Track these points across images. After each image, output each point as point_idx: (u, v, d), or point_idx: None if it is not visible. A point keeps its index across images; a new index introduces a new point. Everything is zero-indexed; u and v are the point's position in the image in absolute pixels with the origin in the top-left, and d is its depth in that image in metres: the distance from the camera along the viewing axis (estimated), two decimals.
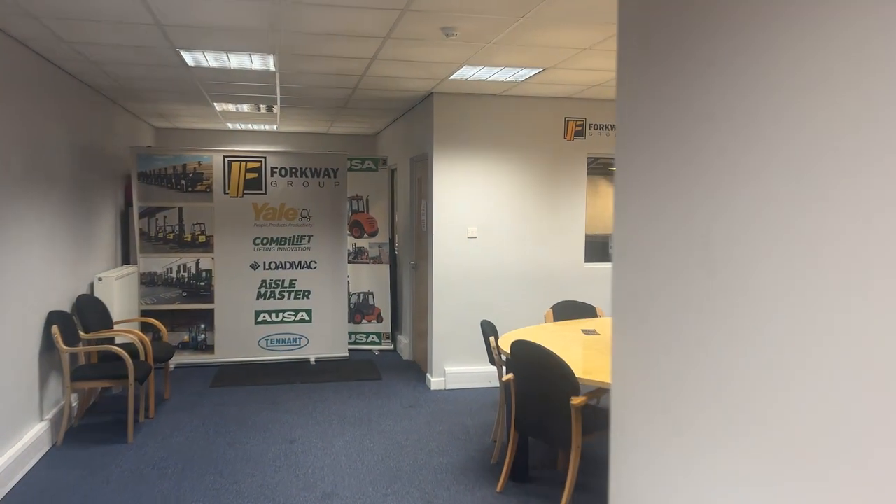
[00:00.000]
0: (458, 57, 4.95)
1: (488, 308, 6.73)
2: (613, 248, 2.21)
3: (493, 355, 4.72)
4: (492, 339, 4.69)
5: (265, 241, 7.60)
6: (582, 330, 5.07)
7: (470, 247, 6.65)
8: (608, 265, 7.07)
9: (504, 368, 4.62)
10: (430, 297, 6.76)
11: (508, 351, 4.20)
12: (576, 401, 3.74)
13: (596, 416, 4.10)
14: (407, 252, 7.95)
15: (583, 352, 4.36)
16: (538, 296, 6.82)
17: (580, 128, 6.80)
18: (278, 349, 7.70)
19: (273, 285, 7.64)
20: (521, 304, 6.80)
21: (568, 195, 6.83)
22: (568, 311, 5.78)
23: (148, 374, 5.44)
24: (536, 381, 4.00)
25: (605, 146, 6.87)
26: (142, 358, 5.61)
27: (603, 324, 5.37)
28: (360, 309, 8.33)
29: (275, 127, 9.61)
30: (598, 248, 10.41)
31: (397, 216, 8.72)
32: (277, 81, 5.96)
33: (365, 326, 8.34)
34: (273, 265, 7.63)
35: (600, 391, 3.95)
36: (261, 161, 7.58)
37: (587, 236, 7.03)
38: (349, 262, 8.20)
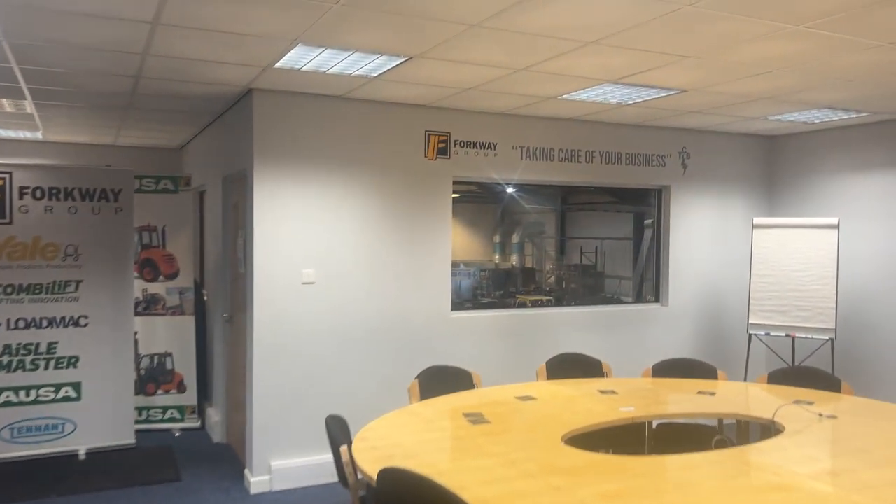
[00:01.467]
0: (288, 28, 3.36)
1: (331, 378, 5.10)
2: None
3: (345, 475, 3.12)
4: (343, 449, 3.09)
5: (8, 291, 5.39)
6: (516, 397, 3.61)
7: (305, 295, 5.00)
8: (480, 314, 5.71)
9: None
10: (249, 365, 4.99)
11: (374, 479, 2.64)
12: None
13: None
14: (219, 300, 6.08)
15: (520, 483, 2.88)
16: (398, 358, 5.30)
17: (444, 144, 5.43)
18: (30, 441, 5.48)
19: (21, 351, 5.44)
20: (375, 373, 5.23)
21: (431, 227, 5.41)
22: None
23: None
24: None
25: (474, 167, 5.55)
26: None
27: (544, 390, 3.94)
28: (153, 376, 6.30)
29: (39, 135, 7.30)
30: (465, 291, 8.88)
31: (208, 253, 6.82)
32: (11, 58, 3.97)
33: (161, 399, 6.31)
34: (21, 323, 5.43)
35: None
36: (3, 178, 5.39)
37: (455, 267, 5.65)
38: (138, 315, 6.15)
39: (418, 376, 4.31)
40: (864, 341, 6.03)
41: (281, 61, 3.99)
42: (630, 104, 5.15)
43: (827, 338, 5.72)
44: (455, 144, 5.46)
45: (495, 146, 5.61)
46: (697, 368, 4.99)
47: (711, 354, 6.63)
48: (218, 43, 3.63)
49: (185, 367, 6.36)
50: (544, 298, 7.56)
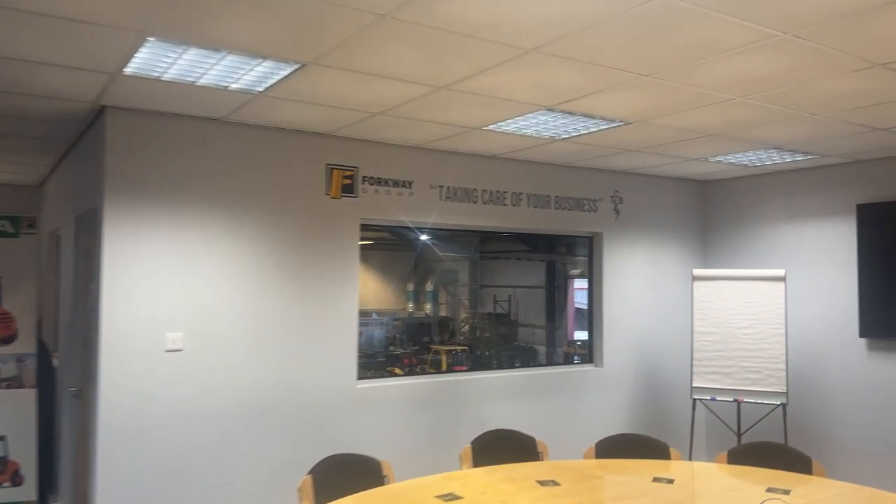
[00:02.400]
0: (130, 13, 2.45)
1: (204, 470, 4.03)
2: None
3: None
4: None
5: None
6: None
7: (170, 365, 3.96)
8: (392, 382, 4.80)
9: None
10: (92, 454, 3.87)
11: None
12: None
13: None
14: (70, 369, 4.90)
15: None
16: (292, 443, 4.30)
17: (350, 181, 4.58)
18: None
19: None
20: (261, 464, 4.20)
21: (333, 279, 4.50)
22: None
23: None
24: None
25: (385, 208, 4.71)
26: None
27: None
28: None
29: None
30: (377, 341, 8.27)
31: (63, 309, 5.62)
32: None
33: None
34: None
35: None
36: None
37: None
38: None
39: (312, 470, 3.35)
40: (816, 405, 5.50)
41: (132, 65, 3.06)
42: (563, 139, 4.49)
43: (778, 402, 5.14)
44: (363, 181, 4.63)
45: (411, 184, 4.82)
46: (647, 446, 4.26)
47: (653, 423, 5.95)
48: (42, 32, 2.67)
49: (23, 452, 5.09)
50: (459, 348, 7.33)
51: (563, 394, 5.48)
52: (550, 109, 3.75)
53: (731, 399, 5.27)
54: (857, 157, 5.10)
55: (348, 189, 4.56)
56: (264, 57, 2.94)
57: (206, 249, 4.06)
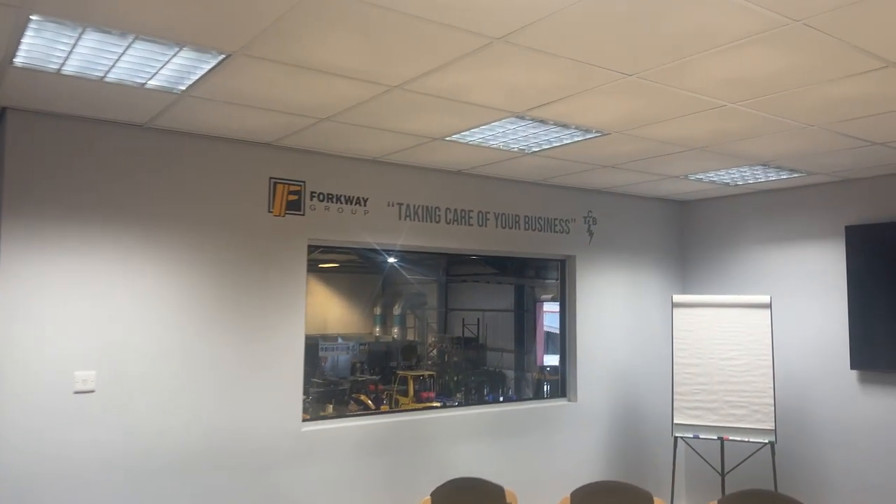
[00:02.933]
0: None
1: None
2: None
3: None
4: None
5: None
6: None
7: (79, 409, 3.39)
8: (343, 424, 4.26)
9: None
10: None
11: None
12: None
13: None
14: None
15: None
16: (228, 499, 3.73)
17: (296, 197, 4.09)
18: None
19: None
20: None
21: (276, 307, 3.98)
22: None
23: None
24: None
25: (337, 228, 4.22)
26: None
27: None
28: None
29: None
30: (342, 366, 8.22)
31: None
32: None
33: None
34: None
35: None
36: None
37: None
38: None
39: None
40: (805, 443, 5.10)
41: (22, 53, 2.55)
42: (533, 153, 4.07)
43: (766, 440, 4.73)
44: (312, 197, 4.14)
45: (366, 202, 4.34)
46: (627, 495, 3.80)
47: (632, 463, 5.50)
48: None
49: None
50: (426, 374, 7.10)
51: (533, 432, 5.00)
52: (520, 117, 3.32)
53: (715, 437, 4.84)
54: (846, 176, 4.77)
55: (294, 206, 4.07)
56: (180, 44, 2.45)
57: (124, 275, 3.52)
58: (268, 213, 3.98)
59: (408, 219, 4.51)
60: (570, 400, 5.30)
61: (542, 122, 3.41)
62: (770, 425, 4.73)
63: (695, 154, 4.08)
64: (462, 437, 4.66)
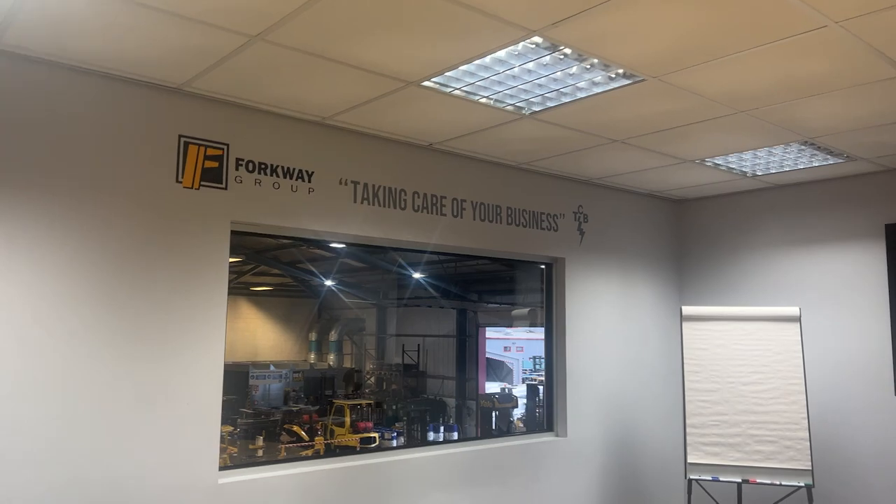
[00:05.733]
0: None
1: None
2: None
3: None
4: None
5: None
6: None
7: None
8: (272, 474, 3.14)
9: None
10: None
11: None
12: None
13: None
14: None
15: None
16: None
17: (216, 164, 3.02)
18: None
19: None
20: None
21: (187, 315, 2.87)
22: None
23: None
24: None
25: (271, 208, 3.16)
26: None
27: None
28: None
29: None
30: (274, 396, 7.91)
31: None
32: None
33: None
34: None
35: None
36: None
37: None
38: None
39: None
40: (848, 485, 4.25)
41: None
42: (533, 114, 3.13)
43: (801, 483, 3.86)
44: (238, 166, 3.07)
45: (310, 176, 3.30)
46: None
47: None
48: None
49: None
50: (364, 403, 6.83)
51: (515, 476, 3.99)
52: (535, 40, 2.38)
53: (739, 479, 3.94)
54: (885, 165, 4.02)
55: (213, 176, 2.99)
56: None
57: None
58: (176, 183, 2.89)
59: (365, 202, 3.48)
60: (557, 435, 4.32)
61: (561, 52, 2.47)
62: (806, 464, 3.86)
63: (737, 120, 3.22)
64: (430, 485, 3.60)
